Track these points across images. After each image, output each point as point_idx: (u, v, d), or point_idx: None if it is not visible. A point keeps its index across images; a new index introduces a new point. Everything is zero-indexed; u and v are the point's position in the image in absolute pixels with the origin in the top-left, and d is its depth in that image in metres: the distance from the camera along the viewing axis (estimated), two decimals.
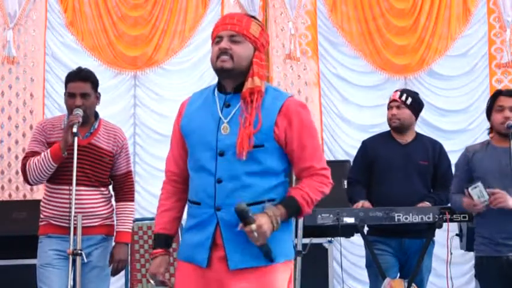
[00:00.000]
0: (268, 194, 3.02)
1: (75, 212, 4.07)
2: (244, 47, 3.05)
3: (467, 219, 4.90)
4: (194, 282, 3.05)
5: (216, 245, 3.01)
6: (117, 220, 4.51)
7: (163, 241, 3.21)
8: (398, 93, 5.24)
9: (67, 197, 4.23)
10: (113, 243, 4.49)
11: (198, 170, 3.06)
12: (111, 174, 4.48)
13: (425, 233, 4.96)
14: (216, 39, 3.08)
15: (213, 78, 7.11)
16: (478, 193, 4.30)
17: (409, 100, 5.15)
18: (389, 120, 5.16)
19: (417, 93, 5.37)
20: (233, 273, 2.98)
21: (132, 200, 4.61)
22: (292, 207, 3.02)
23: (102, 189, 4.42)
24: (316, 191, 3.08)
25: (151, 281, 3.20)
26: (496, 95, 4.64)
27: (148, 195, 7.15)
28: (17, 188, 6.98)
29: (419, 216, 4.85)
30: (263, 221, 2.90)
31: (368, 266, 5.17)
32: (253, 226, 2.89)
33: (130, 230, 4.53)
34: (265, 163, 3.01)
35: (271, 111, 3.03)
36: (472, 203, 4.35)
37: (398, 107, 5.14)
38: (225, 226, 2.99)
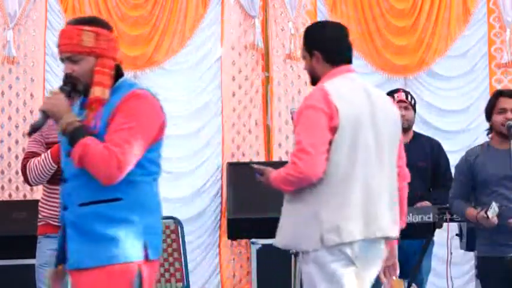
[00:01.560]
0: (111, 193, 2.95)
1: None
2: (84, 64, 3.01)
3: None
4: None
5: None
6: None
7: None
8: (403, 93, 5.18)
9: None
10: None
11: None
12: None
13: (424, 233, 4.95)
14: (60, 60, 3.08)
15: (213, 78, 7.14)
16: (493, 212, 4.30)
17: (413, 101, 5.16)
18: None
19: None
20: (77, 273, 2.98)
21: None
22: (80, 130, 2.91)
23: None
24: (97, 151, 2.86)
25: None
26: (497, 95, 4.62)
27: None
28: (17, 188, 6.97)
29: (419, 216, 4.84)
30: (60, 97, 2.96)
31: None
32: (55, 89, 3.00)
33: None
34: None
35: (110, 108, 2.98)
36: (487, 222, 4.32)
37: (406, 108, 5.08)
38: (68, 225, 3.01)
